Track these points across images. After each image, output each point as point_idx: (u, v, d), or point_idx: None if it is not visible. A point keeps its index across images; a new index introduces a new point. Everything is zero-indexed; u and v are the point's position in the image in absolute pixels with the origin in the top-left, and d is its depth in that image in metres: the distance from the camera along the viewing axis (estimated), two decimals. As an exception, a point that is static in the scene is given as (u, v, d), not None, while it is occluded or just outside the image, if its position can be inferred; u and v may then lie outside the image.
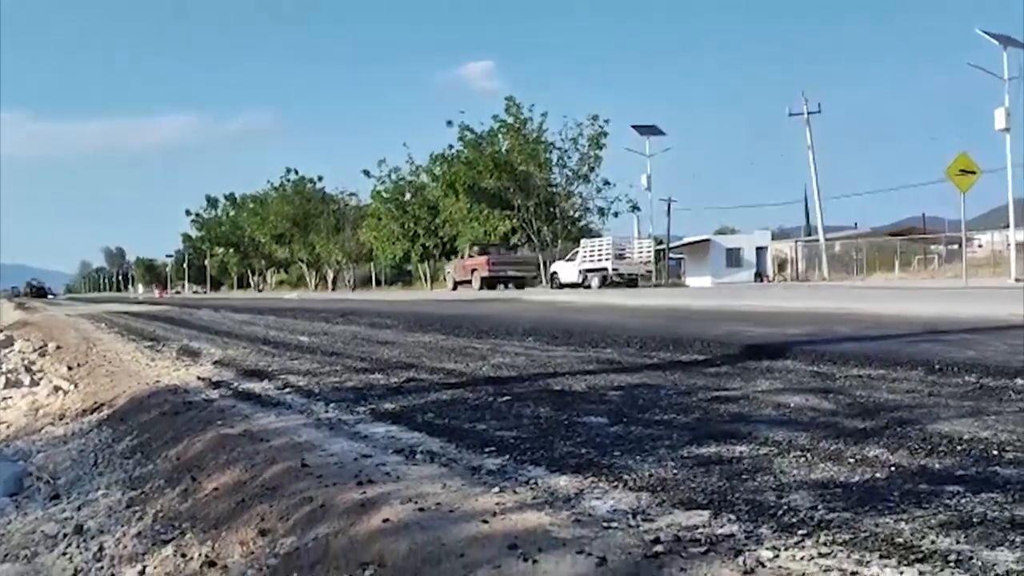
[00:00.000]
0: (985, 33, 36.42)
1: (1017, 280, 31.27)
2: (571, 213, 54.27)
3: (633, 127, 55.03)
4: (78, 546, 4.37)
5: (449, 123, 54.71)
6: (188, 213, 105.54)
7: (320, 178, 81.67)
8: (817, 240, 54.29)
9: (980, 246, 48.93)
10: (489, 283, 43.48)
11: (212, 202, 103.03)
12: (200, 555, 3.59)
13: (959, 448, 3.68)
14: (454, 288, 46.66)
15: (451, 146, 55.24)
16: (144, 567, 3.74)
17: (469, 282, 45.23)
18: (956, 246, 43.88)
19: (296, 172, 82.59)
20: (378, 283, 78.40)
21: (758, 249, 54.59)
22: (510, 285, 43.29)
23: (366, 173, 66.13)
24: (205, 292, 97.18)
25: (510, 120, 53.03)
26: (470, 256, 47.73)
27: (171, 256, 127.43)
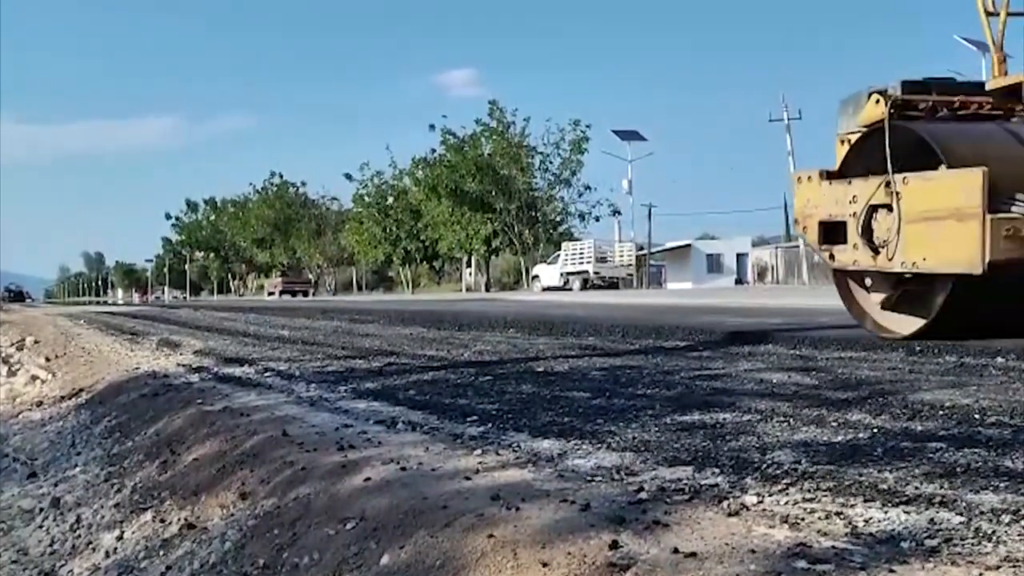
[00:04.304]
0: (964, 39, 36.70)
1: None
2: (552, 217, 54.29)
3: (614, 132, 55.06)
4: (55, 518, 4.33)
5: (432, 127, 54.73)
6: (168, 217, 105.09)
7: (303, 183, 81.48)
8: (797, 246, 54.49)
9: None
10: (288, 293, 64.95)
11: (192, 206, 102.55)
12: (179, 519, 3.56)
13: (941, 413, 3.69)
14: (269, 295, 67.88)
15: (433, 150, 55.25)
16: (122, 533, 3.70)
17: (274, 292, 67.80)
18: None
19: (280, 176, 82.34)
20: (359, 287, 78.17)
21: (739, 255, 54.77)
22: (299, 295, 63.96)
23: (348, 177, 66.00)
24: (185, 297, 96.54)
25: (493, 124, 53.07)
26: (277, 277, 75.90)
27: (151, 261, 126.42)
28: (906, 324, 6.94)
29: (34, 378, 9.63)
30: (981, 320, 6.69)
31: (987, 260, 5.84)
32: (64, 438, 6.23)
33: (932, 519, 2.24)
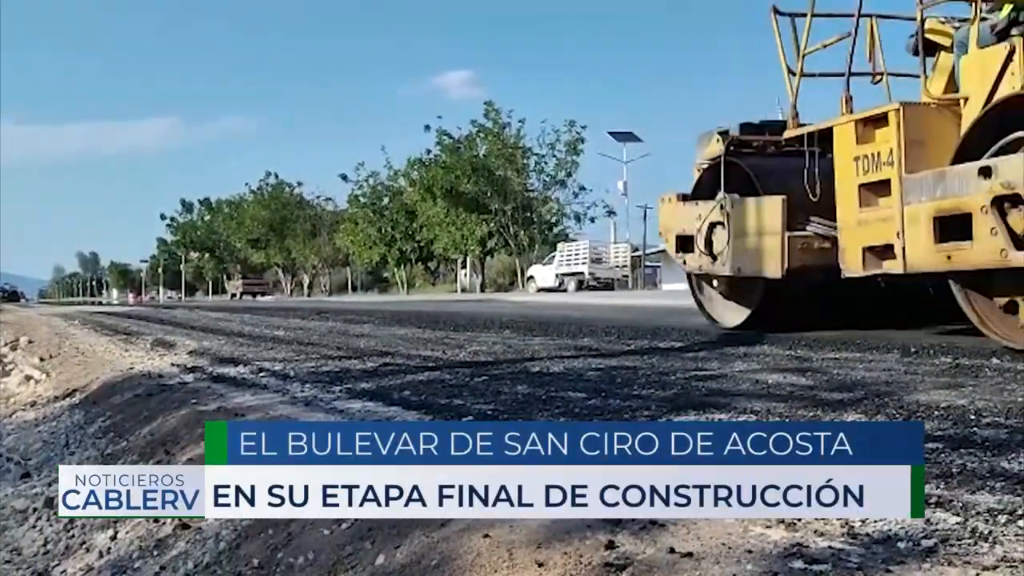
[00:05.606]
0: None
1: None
2: (548, 218, 54.26)
3: (610, 133, 54.87)
4: (48, 519, 4.31)
5: (427, 127, 54.64)
6: (163, 217, 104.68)
7: (299, 184, 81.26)
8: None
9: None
10: (249, 294, 72.53)
11: (187, 206, 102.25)
12: (174, 518, 3.54)
13: (937, 414, 3.69)
14: (232, 297, 74.82)
15: (429, 151, 55.15)
16: (115, 533, 3.69)
17: (236, 294, 74.99)
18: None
19: (276, 176, 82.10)
20: (354, 288, 78.09)
21: (734, 256, 54.60)
22: (259, 295, 71.25)
23: (343, 177, 65.86)
24: (180, 298, 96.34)
25: (489, 124, 53.00)
26: (238, 280, 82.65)
27: (146, 261, 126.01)
28: (734, 317, 8.62)
29: (28, 378, 9.61)
30: (786, 316, 8.11)
31: (786, 267, 7.55)
32: (58, 438, 6.21)
33: (929, 519, 2.24)
